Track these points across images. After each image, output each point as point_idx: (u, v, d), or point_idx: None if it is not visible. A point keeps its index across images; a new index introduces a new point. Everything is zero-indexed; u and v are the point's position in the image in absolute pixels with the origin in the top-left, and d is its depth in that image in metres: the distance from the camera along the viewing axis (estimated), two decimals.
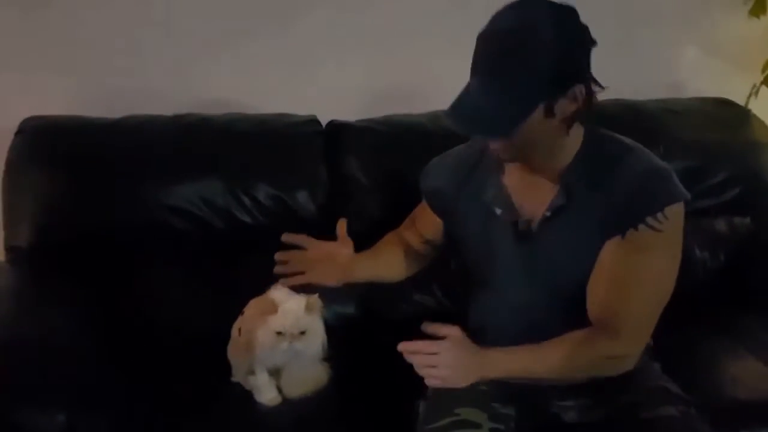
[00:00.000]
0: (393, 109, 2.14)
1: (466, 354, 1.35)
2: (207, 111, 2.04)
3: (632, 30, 2.36)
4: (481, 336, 1.38)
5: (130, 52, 2.11)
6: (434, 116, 2.03)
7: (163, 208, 1.91)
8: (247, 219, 1.96)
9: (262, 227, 1.95)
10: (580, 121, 1.36)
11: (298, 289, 1.56)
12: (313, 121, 2.07)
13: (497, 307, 1.49)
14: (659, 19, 2.41)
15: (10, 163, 1.91)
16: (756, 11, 2.39)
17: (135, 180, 1.90)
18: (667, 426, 1.33)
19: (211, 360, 1.72)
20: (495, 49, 1.27)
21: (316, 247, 1.52)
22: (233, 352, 1.72)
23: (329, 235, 1.55)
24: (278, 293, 1.61)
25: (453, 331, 1.33)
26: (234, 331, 1.71)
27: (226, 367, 1.72)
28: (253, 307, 1.68)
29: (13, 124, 1.94)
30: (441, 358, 1.32)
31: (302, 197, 1.98)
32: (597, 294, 1.36)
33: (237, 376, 1.71)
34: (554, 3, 1.27)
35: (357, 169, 2.02)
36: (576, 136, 1.37)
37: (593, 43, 1.29)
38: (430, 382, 1.34)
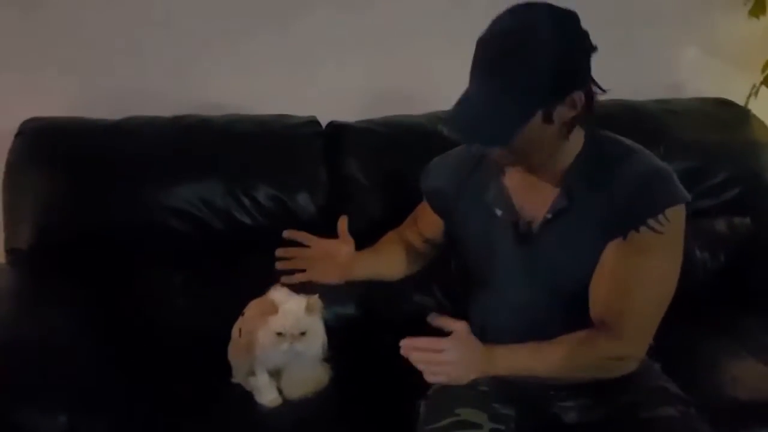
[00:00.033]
0: (393, 109, 2.14)
1: (470, 351, 1.35)
2: (207, 112, 2.04)
3: (632, 30, 2.36)
4: (481, 336, 1.38)
5: (130, 52, 2.10)
6: (434, 117, 2.03)
7: (163, 209, 1.91)
8: (247, 220, 1.96)
9: (262, 228, 1.95)
10: (580, 125, 1.36)
11: (298, 288, 1.56)
12: (313, 122, 2.07)
13: (497, 308, 1.49)
14: (659, 19, 2.41)
15: (10, 165, 1.91)
16: (756, 12, 2.39)
17: (135, 181, 1.90)
18: (667, 426, 1.33)
19: (211, 361, 1.72)
20: (494, 50, 1.26)
21: (317, 245, 1.52)
22: (233, 353, 1.72)
23: (329, 235, 1.55)
24: (278, 294, 1.61)
25: (460, 327, 1.34)
26: (234, 332, 1.71)
27: (227, 368, 1.72)
28: (253, 307, 1.68)
29: (13, 126, 1.94)
30: (446, 356, 1.32)
31: (302, 198, 1.98)
32: (599, 295, 1.37)
33: (237, 377, 1.71)
34: (554, 6, 1.27)
35: (357, 170, 2.02)
36: (576, 138, 1.37)
37: (593, 48, 1.28)
38: (431, 378, 1.34)
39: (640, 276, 1.33)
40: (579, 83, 1.28)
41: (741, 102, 2.37)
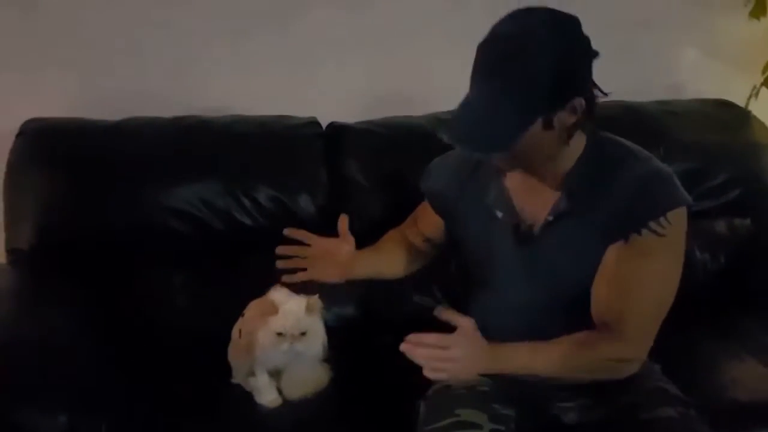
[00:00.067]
0: (393, 111, 2.14)
1: (474, 348, 1.35)
2: (207, 113, 2.04)
3: (632, 32, 2.35)
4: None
5: (130, 52, 2.10)
6: (434, 118, 2.04)
7: (163, 210, 1.91)
8: (247, 221, 1.96)
9: (262, 229, 1.95)
10: (581, 129, 1.36)
11: (299, 288, 1.56)
12: (314, 123, 2.07)
13: (497, 308, 1.49)
14: (659, 20, 2.40)
15: (11, 165, 1.91)
16: (756, 13, 2.39)
17: (135, 182, 1.90)
18: (667, 427, 1.33)
19: (211, 361, 1.72)
20: (494, 55, 1.26)
21: (317, 243, 1.52)
22: (233, 354, 1.72)
23: (330, 235, 1.55)
24: (278, 294, 1.61)
25: (466, 323, 1.34)
26: (234, 333, 1.71)
27: (227, 369, 1.72)
28: (253, 308, 1.68)
29: (14, 126, 1.94)
30: (451, 353, 1.32)
31: (302, 199, 1.98)
32: (601, 297, 1.37)
33: (237, 378, 1.71)
34: (555, 11, 1.27)
35: (357, 171, 2.02)
36: (578, 141, 1.37)
37: (595, 54, 1.28)
38: (431, 374, 1.33)
39: (641, 278, 1.33)
40: (580, 89, 1.28)
41: (741, 103, 2.37)
